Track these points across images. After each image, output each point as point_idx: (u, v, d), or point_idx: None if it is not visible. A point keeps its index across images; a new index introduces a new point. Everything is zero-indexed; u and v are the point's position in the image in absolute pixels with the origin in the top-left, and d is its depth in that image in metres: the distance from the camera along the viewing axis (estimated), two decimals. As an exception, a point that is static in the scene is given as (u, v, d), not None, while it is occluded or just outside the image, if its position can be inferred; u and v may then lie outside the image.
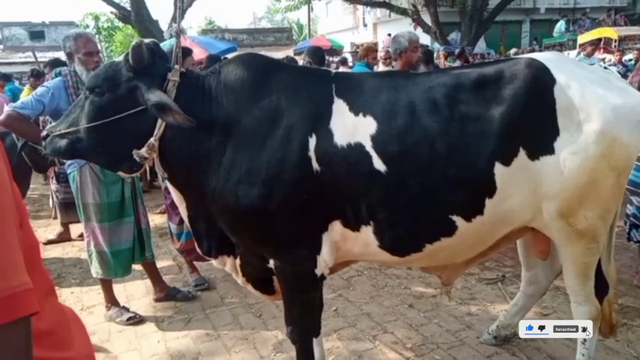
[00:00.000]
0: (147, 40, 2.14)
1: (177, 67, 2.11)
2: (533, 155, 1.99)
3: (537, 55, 2.19)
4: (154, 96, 1.99)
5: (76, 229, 5.17)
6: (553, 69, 2.04)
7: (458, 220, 2.05)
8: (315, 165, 2.01)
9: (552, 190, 2.01)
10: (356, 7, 28.54)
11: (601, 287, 2.34)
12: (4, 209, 0.72)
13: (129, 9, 14.43)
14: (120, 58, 2.14)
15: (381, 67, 6.69)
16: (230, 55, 11.11)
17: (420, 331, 3.15)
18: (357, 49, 22.13)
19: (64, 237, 5.32)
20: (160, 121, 2.04)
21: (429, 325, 3.21)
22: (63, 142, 2.16)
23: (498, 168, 1.99)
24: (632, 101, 2.05)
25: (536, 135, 2.00)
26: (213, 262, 2.48)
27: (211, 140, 2.09)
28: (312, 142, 2.01)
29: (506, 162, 1.99)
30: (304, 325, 2.34)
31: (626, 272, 3.84)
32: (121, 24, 23.16)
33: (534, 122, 2.00)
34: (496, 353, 2.87)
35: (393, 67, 4.69)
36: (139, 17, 14.09)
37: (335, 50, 20.54)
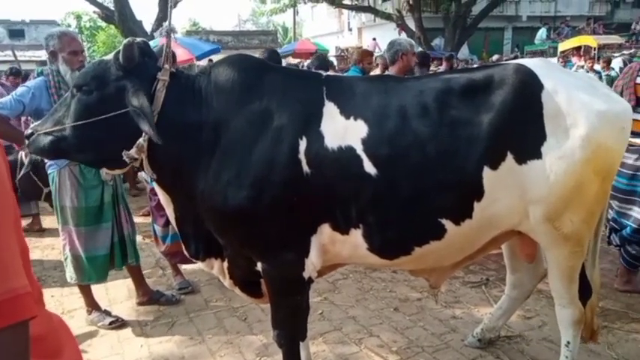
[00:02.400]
0: (137, 40, 2.11)
1: (167, 66, 2.09)
2: (521, 160, 2.01)
3: (525, 61, 2.22)
4: (136, 100, 1.98)
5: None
6: (541, 75, 2.07)
7: (447, 224, 2.07)
8: (305, 167, 2.01)
9: (539, 194, 2.04)
10: (341, 11, 28.67)
11: (584, 291, 2.37)
12: (4, 211, 0.71)
13: (112, 8, 14.27)
14: (109, 57, 2.12)
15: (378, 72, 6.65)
16: (214, 57, 11.07)
17: (406, 334, 3.16)
18: (342, 53, 22.23)
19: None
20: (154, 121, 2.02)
21: (414, 329, 3.22)
22: (48, 141, 2.12)
23: (486, 172, 2.01)
24: (617, 107, 2.10)
25: (524, 140, 2.02)
26: (201, 264, 2.46)
27: (201, 141, 2.07)
28: (303, 144, 2.01)
29: (494, 166, 2.01)
30: (291, 329, 2.33)
31: (607, 276, 3.90)
32: (103, 24, 22.86)
33: (522, 127, 2.03)
34: (480, 356, 2.90)
35: (388, 71, 4.68)
36: (122, 17, 13.94)
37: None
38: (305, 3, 25.40)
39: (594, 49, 14.92)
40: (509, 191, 2.04)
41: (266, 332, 3.19)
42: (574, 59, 13.01)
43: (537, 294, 3.63)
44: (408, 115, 2.03)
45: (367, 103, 2.08)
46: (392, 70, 4.48)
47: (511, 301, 2.89)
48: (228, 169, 2.04)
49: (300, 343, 2.37)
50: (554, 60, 14.73)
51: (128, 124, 2.01)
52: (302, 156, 2.01)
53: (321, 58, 5.84)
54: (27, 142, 2.18)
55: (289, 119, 2.04)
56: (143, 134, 2.02)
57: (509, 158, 2.01)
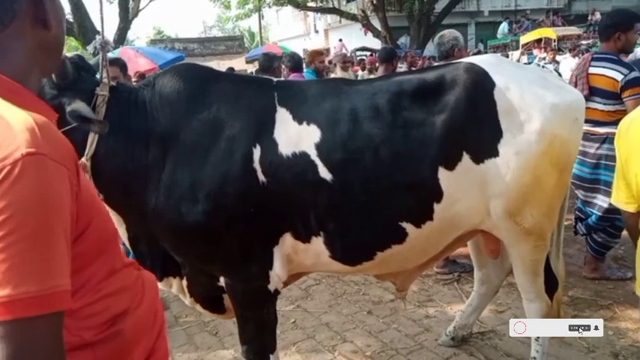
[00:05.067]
0: (70, 55, 2.01)
1: (105, 80, 1.98)
2: (478, 159, 2.01)
3: (476, 59, 2.22)
4: (71, 106, 1.82)
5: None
6: (492, 72, 2.06)
7: (408, 227, 2.04)
8: (261, 176, 1.96)
9: (498, 191, 2.03)
10: (307, 13, 28.67)
11: (550, 283, 2.39)
12: (49, 216, 0.80)
13: (71, 20, 13.92)
14: None
15: (339, 74, 6.55)
16: (179, 66, 10.90)
17: (380, 337, 3.12)
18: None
19: None
20: (90, 138, 1.90)
21: (388, 331, 3.19)
22: None
23: (442, 173, 1.99)
24: (570, 98, 2.11)
25: (480, 139, 2.01)
26: (159, 284, 2.32)
27: (148, 156, 1.98)
28: (257, 152, 1.96)
29: (450, 167, 1.99)
30: (260, 343, 2.25)
31: (575, 264, 3.96)
32: (64, 36, 22.26)
33: (477, 126, 2.02)
34: (454, 354, 2.88)
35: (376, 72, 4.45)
36: (82, 29, 13.63)
37: (287, 57, 20.47)
38: (270, 7, 25.28)
39: (554, 40, 15.27)
40: (469, 191, 2.03)
41: (237, 346, 3.05)
42: (535, 51, 13.29)
43: (508, 287, 3.64)
44: (361, 119, 2.00)
45: (319, 108, 2.04)
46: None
47: (480, 297, 2.90)
48: (180, 184, 1.95)
49: (270, 356, 2.29)
50: (517, 53, 15.07)
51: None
52: (257, 165, 1.96)
53: (296, 58, 5.72)
54: None
55: (241, 127, 1.98)
56: (85, 153, 1.90)
57: (466, 158, 2.00)
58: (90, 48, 2.52)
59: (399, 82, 2.11)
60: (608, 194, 3.34)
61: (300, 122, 2.01)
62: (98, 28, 12.25)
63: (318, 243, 2.06)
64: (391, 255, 2.11)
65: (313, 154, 1.97)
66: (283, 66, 5.58)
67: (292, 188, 1.98)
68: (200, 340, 3.27)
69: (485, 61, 2.18)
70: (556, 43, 14.88)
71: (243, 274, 2.09)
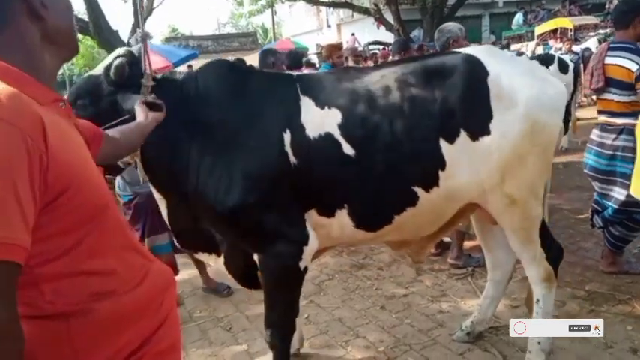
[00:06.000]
0: (121, 51, 2.21)
1: (148, 72, 2.15)
2: (474, 136, 2.26)
3: (473, 50, 2.50)
4: (127, 103, 2.11)
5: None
6: (486, 62, 2.32)
7: (419, 191, 2.29)
8: (292, 158, 2.18)
9: (488, 167, 2.29)
10: (319, 8, 28.57)
11: (554, 254, 2.56)
12: (9, 169, 0.87)
13: (86, 20, 14.05)
14: (98, 72, 2.22)
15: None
16: (193, 62, 10.95)
17: (392, 332, 3.11)
18: (322, 51, 22.11)
19: None
20: None
21: (401, 326, 3.18)
22: None
23: (444, 145, 2.25)
24: (551, 89, 2.36)
25: (475, 118, 2.26)
26: (200, 256, 2.59)
27: (192, 143, 2.19)
28: (287, 137, 2.19)
29: (451, 141, 2.25)
30: (284, 327, 2.40)
31: (592, 258, 3.89)
32: (80, 36, 22.55)
33: (472, 107, 2.26)
34: (468, 350, 2.86)
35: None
36: (97, 29, 13.72)
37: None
38: (282, 2, 25.27)
39: (570, 30, 14.97)
40: (467, 166, 2.28)
41: (251, 341, 3.14)
42: (551, 42, 13.06)
43: (522, 282, 3.59)
44: (374, 98, 2.25)
45: (337, 93, 2.28)
46: None
47: (495, 284, 2.94)
48: (221, 168, 2.17)
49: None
50: (532, 44, 14.83)
51: None
52: (288, 148, 2.18)
53: (292, 55, 5.71)
54: None
55: (272, 116, 2.23)
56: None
57: (463, 135, 2.25)
58: (132, 41, 2.70)
59: (406, 66, 2.37)
60: (625, 187, 3.28)
61: (322, 107, 2.25)
62: (113, 27, 12.35)
63: (342, 215, 2.28)
64: (406, 218, 2.34)
65: (337, 134, 2.20)
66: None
67: (320, 166, 2.21)
68: (214, 335, 3.29)
69: (481, 51, 2.45)
70: (572, 33, 14.58)
71: (276, 250, 2.26)
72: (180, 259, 3.81)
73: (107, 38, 13.25)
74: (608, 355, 2.71)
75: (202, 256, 2.56)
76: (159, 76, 2.29)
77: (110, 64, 2.15)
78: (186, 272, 4.06)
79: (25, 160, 0.89)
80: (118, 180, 3.55)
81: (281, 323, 2.39)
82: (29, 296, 0.98)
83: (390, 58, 5.41)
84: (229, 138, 2.19)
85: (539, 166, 2.39)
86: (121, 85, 2.15)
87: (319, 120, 2.22)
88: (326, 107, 2.24)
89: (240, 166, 2.15)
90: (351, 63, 6.74)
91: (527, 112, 2.26)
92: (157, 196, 2.39)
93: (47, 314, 1.01)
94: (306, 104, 2.25)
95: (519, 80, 2.31)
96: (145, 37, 2.23)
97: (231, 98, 2.26)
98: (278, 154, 2.17)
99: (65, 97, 1.45)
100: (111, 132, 1.65)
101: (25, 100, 0.96)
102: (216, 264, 2.52)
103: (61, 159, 0.97)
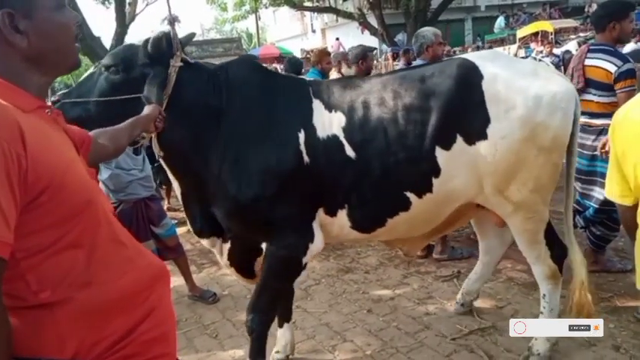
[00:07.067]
0: (165, 30, 2.29)
1: (178, 53, 2.26)
2: (470, 141, 2.29)
3: (474, 55, 2.54)
4: (149, 90, 2.19)
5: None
6: (481, 66, 2.34)
7: (411, 197, 2.36)
8: (306, 157, 2.30)
9: (488, 170, 2.32)
10: (303, 13, 28.65)
11: (558, 252, 2.61)
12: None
13: (67, 27, 13.90)
14: (139, 42, 2.30)
15: (333, 75, 6.42)
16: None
17: (380, 336, 3.11)
18: (308, 55, 22.11)
19: None
20: (164, 105, 2.19)
21: (388, 329, 3.18)
22: (71, 110, 2.20)
23: (440, 152, 2.29)
24: (554, 90, 2.32)
25: (471, 124, 2.29)
26: (204, 241, 2.62)
27: (216, 131, 2.28)
28: (302, 136, 2.31)
29: (447, 147, 2.29)
30: (267, 315, 2.53)
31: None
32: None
33: (467, 113, 2.29)
34: (455, 351, 2.87)
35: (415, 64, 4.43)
36: (79, 35, 13.60)
37: (284, 57, 20.47)
38: (266, 8, 25.25)
39: (551, 33, 15.21)
40: (464, 169, 2.32)
41: (237, 349, 3.11)
42: (532, 45, 13.24)
43: (508, 282, 3.65)
44: (373, 105, 2.35)
45: (342, 98, 2.40)
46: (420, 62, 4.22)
47: (484, 266, 3.16)
48: (244, 160, 2.27)
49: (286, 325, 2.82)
50: (514, 47, 15.03)
51: (144, 106, 2.13)
52: (302, 147, 2.29)
53: (292, 62, 5.64)
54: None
55: (292, 115, 2.36)
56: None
57: (460, 140, 2.29)
58: (161, 25, 2.79)
59: (403, 76, 2.46)
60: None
61: (330, 110, 2.37)
62: (95, 33, 12.24)
63: (342, 215, 2.39)
64: (398, 222, 2.42)
65: (341, 136, 2.32)
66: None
67: (327, 166, 2.32)
68: (200, 343, 3.26)
69: (479, 56, 2.48)
70: (553, 36, 14.82)
71: (288, 242, 2.39)
72: (167, 266, 3.76)
73: (90, 45, 13.10)
74: (591, 353, 2.75)
75: (210, 241, 2.58)
76: (192, 60, 2.37)
77: (149, 38, 2.23)
78: (172, 280, 4.00)
79: (2, 163, 0.95)
80: (102, 187, 3.51)
81: (266, 309, 2.52)
82: (16, 288, 1.05)
83: (349, 69, 5.19)
84: (254, 133, 2.30)
85: (547, 168, 2.37)
86: (155, 59, 2.22)
87: (327, 122, 2.34)
88: (333, 110, 2.38)
89: (264, 161, 2.27)
90: (344, 68, 6.57)
91: (527, 114, 2.25)
92: (169, 173, 2.49)
93: (33, 305, 1.07)
94: (317, 107, 2.38)
95: (519, 82, 2.30)
96: (174, 21, 2.36)
97: (260, 94, 2.38)
98: (295, 152, 2.28)
99: (50, 104, 1.51)
100: (101, 137, 1.68)
101: (3, 108, 1.02)
102: (218, 250, 2.60)
103: (41, 160, 1.03)
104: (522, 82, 2.30)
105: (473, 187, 2.37)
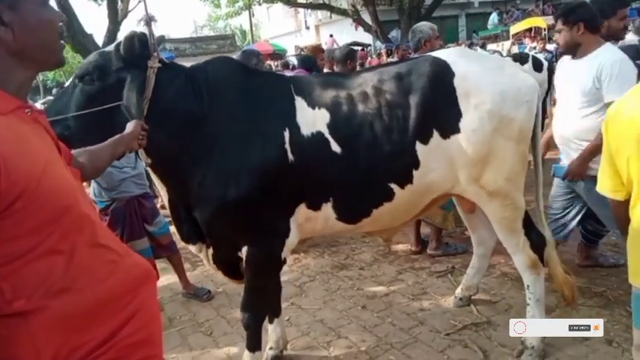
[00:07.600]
0: (138, 31, 2.21)
1: (155, 54, 2.19)
2: (445, 135, 2.41)
3: (442, 53, 2.64)
4: (128, 96, 2.10)
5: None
6: (452, 64, 2.45)
7: (395, 188, 2.45)
8: (290, 155, 2.30)
9: (462, 161, 2.43)
10: (297, 10, 28.57)
11: (536, 242, 2.67)
12: None
13: (59, 23, 13.79)
14: (110, 48, 2.22)
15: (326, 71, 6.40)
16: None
17: (374, 332, 3.12)
18: (302, 52, 22.07)
19: None
20: (145, 110, 2.13)
21: (382, 326, 3.18)
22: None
23: (419, 146, 2.40)
24: (519, 85, 2.48)
25: (445, 118, 2.40)
26: (191, 248, 2.61)
27: (197, 131, 2.24)
28: (287, 135, 2.31)
29: (425, 141, 2.40)
30: (259, 310, 2.62)
31: (568, 252, 3.94)
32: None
33: (441, 108, 2.40)
34: (449, 347, 2.88)
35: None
36: (70, 31, 13.43)
37: (278, 54, 20.43)
38: (260, 4, 25.13)
39: (544, 29, 15.24)
40: (441, 162, 2.44)
41: (232, 346, 3.11)
42: (526, 41, 13.28)
43: (502, 277, 3.66)
44: (356, 102, 2.40)
45: (325, 95, 2.42)
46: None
47: (480, 258, 3.25)
48: (229, 161, 2.26)
49: (275, 320, 2.85)
50: (508, 43, 15.07)
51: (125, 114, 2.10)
52: (287, 145, 2.30)
53: (304, 59, 5.54)
54: None
55: (275, 114, 2.35)
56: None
57: (436, 135, 2.40)
58: (138, 25, 2.65)
59: (381, 72, 2.52)
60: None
61: (313, 108, 2.39)
62: (87, 30, 12.11)
63: (327, 208, 2.43)
64: (383, 212, 2.50)
65: (326, 133, 2.35)
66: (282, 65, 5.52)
67: (313, 163, 2.34)
68: (194, 340, 3.25)
69: (449, 53, 2.60)
70: (546, 32, 14.85)
71: (266, 243, 2.43)
72: (160, 264, 3.76)
73: (81, 42, 13.00)
74: (584, 347, 2.76)
75: (197, 247, 2.57)
76: (168, 61, 2.30)
77: (120, 41, 2.15)
78: (166, 277, 4.00)
79: None
80: (94, 185, 3.48)
81: (258, 306, 2.61)
82: None
83: (335, 68, 5.06)
84: (237, 134, 2.28)
85: (516, 157, 2.51)
86: (129, 62, 2.14)
87: (311, 119, 2.36)
88: (316, 108, 2.39)
89: (248, 162, 2.26)
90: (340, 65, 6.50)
91: (494, 108, 2.38)
92: (156, 181, 2.46)
93: (6, 314, 1.04)
94: (300, 104, 2.39)
95: (486, 78, 2.44)
96: (150, 20, 2.26)
97: (241, 94, 2.36)
98: (279, 152, 2.29)
99: (33, 104, 1.45)
100: (81, 157, 1.59)
101: None
102: (204, 256, 2.61)
103: (15, 165, 1.01)
104: (490, 77, 2.44)
105: (450, 179, 2.49)
